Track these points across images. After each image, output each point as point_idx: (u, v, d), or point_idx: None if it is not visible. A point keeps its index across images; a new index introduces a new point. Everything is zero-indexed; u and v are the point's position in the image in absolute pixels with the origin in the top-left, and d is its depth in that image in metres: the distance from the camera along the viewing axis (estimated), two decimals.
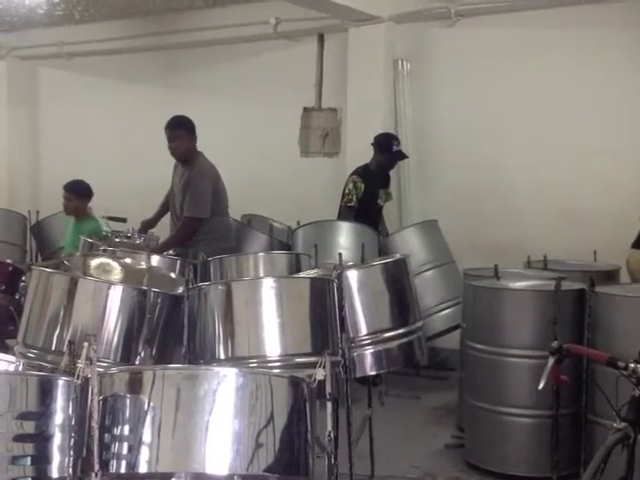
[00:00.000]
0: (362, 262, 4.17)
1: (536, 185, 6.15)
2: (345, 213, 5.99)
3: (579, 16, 5.90)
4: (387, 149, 6.02)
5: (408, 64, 6.69)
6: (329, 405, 2.47)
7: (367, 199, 5.99)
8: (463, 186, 6.46)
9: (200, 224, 5.13)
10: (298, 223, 6.06)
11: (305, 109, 7.14)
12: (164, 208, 5.55)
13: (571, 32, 5.96)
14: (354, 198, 5.93)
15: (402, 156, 6.14)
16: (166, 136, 5.25)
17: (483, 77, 6.37)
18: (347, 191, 5.97)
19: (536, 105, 6.14)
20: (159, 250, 4.94)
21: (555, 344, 2.74)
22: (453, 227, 6.01)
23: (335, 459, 2.50)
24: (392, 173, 6.37)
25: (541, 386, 2.73)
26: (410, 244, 5.56)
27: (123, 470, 2.13)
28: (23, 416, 1.94)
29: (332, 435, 2.49)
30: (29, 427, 1.95)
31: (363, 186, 5.95)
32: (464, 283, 4.66)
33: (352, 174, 6.07)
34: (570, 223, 5.94)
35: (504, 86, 6.27)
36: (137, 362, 3.11)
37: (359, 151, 6.33)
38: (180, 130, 5.20)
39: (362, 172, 6.03)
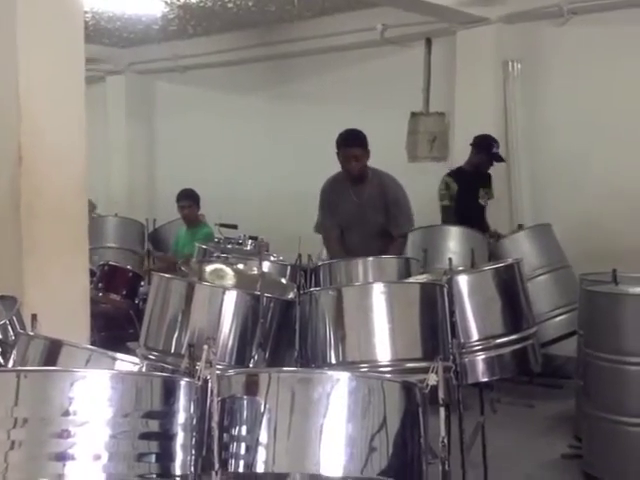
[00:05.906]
0: (472, 267, 4.11)
1: None
2: (443, 214, 6.04)
3: None
4: (487, 150, 6.03)
5: (519, 65, 6.55)
6: (442, 411, 2.44)
7: (465, 198, 6.00)
8: (578, 189, 6.26)
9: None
10: None
11: (413, 114, 7.10)
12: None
13: None
14: (446, 198, 5.99)
15: (500, 159, 6.09)
16: (341, 154, 4.89)
17: (598, 77, 6.15)
18: (440, 192, 6.04)
19: None
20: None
21: None
22: (568, 231, 5.83)
23: (448, 465, 2.47)
24: (503, 177, 6.26)
25: None
26: (522, 248, 5.44)
27: (241, 469, 2.18)
28: (148, 415, 2.00)
29: (445, 441, 2.46)
30: (154, 426, 2.01)
31: (456, 185, 5.99)
32: (580, 288, 4.52)
33: (444, 175, 6.12)
34: None
35: (620, 86, 6.04)
36: (251, 365, 3.18)
37: (467, 155, 6.25)
38: (359, 148, 4.88)
39: (454, 172, 6.12)
